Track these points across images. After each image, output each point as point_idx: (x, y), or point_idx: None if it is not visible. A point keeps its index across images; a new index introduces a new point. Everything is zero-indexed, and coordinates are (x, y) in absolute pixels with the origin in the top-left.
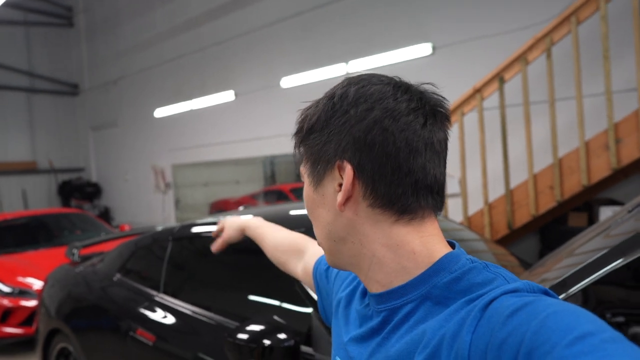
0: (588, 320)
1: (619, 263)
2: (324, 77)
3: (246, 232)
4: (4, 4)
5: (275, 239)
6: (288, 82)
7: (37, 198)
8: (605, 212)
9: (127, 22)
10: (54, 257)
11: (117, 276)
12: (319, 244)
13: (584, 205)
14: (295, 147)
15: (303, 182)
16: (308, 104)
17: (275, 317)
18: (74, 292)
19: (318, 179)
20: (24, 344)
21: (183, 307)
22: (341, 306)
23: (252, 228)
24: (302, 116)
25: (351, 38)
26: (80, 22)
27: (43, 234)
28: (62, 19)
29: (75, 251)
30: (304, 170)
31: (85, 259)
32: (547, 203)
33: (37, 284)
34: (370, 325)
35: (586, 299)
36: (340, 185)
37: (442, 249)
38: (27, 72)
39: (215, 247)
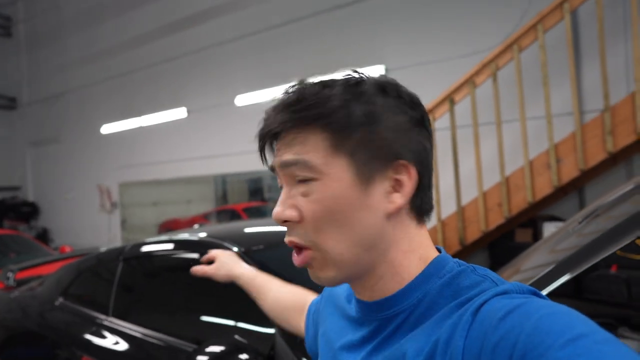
0: (580, 321)
1: (566, 277)
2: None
3: (238, 282)
4: None
5: (275, 293)
6: (243, 99)
7: None
8: (549, 228)
9: (73, 35)
10: None
11: (60, 300)
12: (338, 255)
13: (529, 221)
14: (325, 125)
15: (254, 203)
16: (337, 90)
17: (237, 337)
18: (8, 319)
19: (368, 177)
20: None
21: (136, 330)
22: (330, 315)
23: (245, 279)
24: (340, 101)
25: (306, 58)
26: (20, 32)
27: None
28: None
29: (10, 275)
30: (341, 162)
31: (21, 283)
32: (496, 219)
33: None
34: (362, 333)
35: None
36: (393, 186)
37: (432, 251)
38: None
39: (195, 271)
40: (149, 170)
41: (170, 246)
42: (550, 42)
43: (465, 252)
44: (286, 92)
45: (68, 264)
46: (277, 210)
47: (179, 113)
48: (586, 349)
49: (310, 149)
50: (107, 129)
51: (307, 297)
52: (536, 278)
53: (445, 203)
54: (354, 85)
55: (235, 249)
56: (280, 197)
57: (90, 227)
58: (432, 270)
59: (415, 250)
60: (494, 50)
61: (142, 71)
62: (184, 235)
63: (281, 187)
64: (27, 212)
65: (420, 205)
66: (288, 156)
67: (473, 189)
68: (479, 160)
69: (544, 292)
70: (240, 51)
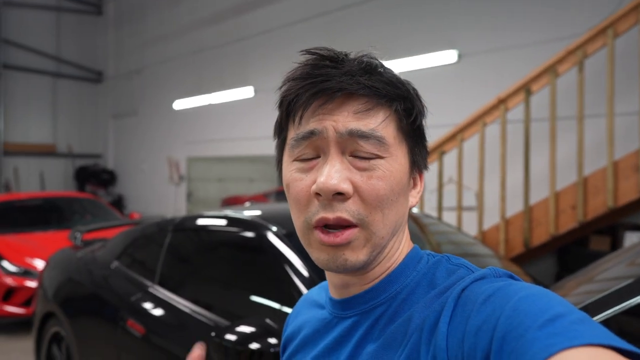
0: (557, 302)
1: None
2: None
3: None
4: None
5: None
6: None
7: (54, 181)
8: (631, 238)
9: (153, 13)
10: (62, 239)
11: (115, 264)
12: (380, 238)
13: (608, 228)
14: (402, 102)
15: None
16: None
17: (268, 321)
18: (72, 276)
19: (414, 169)
20: (26, 324)
21: (175, 300)
22: (291, 346)
23: None
24: (400, 79)
25: (375, 40)
26: (109, 11)
27: (54, 216)
28: (92, 6)
29: (78, 235)
30: (396, 139)
31: (87, 244)
32: (568, 223)
33: (41, 265)
34: (334, 334)
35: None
36: (420, 175)
37: (408, 243)
38: (55, 57)
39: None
40: (216, 147)
41: (215, 221)
42: None
43: (530, 255)
44: (347, 56)
45: (126, 230)
46: (333, 180)
47: (247, 92)
48: (563, 328)
49: (383, 126)
50: (178, 104)
51: None
52: (609, 291)
53: (511, 201)
54: (407, 81)
55: (276, 229)
56: (328, 166)
57: (159, 197)
58: (407, 263)
59: (408, 242)
60: (584, 35)
61: (212, 50)
62: (230, 212)
63: (308, 158)
64: (106, 179)
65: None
66: (361, 126)
67: (543, 189)
68: (554, 157)
69: (619, 308)
70: (307, 33)
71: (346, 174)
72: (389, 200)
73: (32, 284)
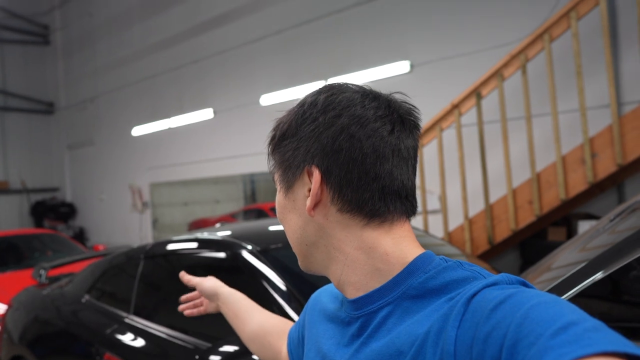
0: (570, 310)
1: (598, 276)
2: (303, 94)
3: (223, 298)
4: None
5: (259, 316)
6: (267, 99)
7: (8, 219)
8: (584, 227)
9: (103, 40)
10: (22, 279)
11: (86, 297)
12: (293, 249)
13: (563, 219)
14: (268, 155)
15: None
16: (282, 113)
17: None
18: (39, 315)
19: (288, 185)
20: None
21: (154, 328)
22: (317, 324)
23: (233, 298)
24: (276, 124)
25: (330, 55)
26: (57, 40)
27: (12, 256)
28: (38, 36)
29: (42, 272)
30: (276, 177)
31: (53, 280)
32: (527, 218)
33: (1, 307)
34: (349, 331)
35: None
36: (310, 190)
37: (415, 250)
38: (1, 90)
39: (182, 276)
40: (178, 171)
41: (188, 245)
42: (584, 31)
43: (494, 251)
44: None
45: (94, 262)
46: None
47: (206, 114)
48: (576, 336)
49: (273, 168)
50: (137, 131)
51: (288, 324)
52: (566, 276)
53: (472, 201)
54: (295, 107)
55: (250, 247)
56: None
57: (123, 226)
58: (417, 266)
59: (375, 247)
60: (524, 40)
61: (169, 73)
62: (201, 234)
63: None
64: (65, 212)
65: (353, 201)
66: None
67: (502, 187)
68: (508, 156)
69: (574, 291)
70: (264, 51)
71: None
72: (281, 220)
73: None
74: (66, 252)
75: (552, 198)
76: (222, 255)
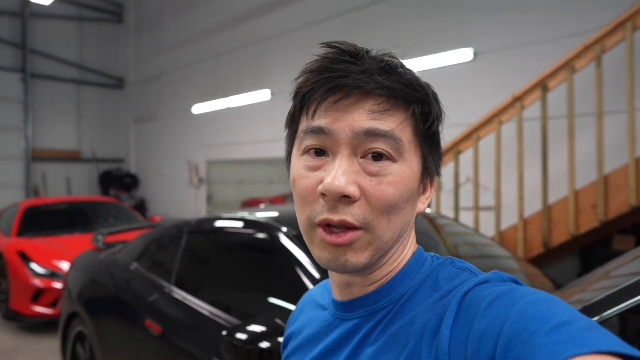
0: (564, 309)
1: None
2: None
3: None
4: (62, 0)
5: None
6: None
7: (80, 186)
8: None
9: (171, 20)
10: (87, 242)
11: (134, 265)
12: (384, 242)
13: (633, 227)
14: (430, 107)
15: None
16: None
17: (278, 321)
18: (95, 278)
19: (426, 177)
20: (53, 324)
21: (190, 301)
22: (292, 342)
23: None
24: (420, 81)
25: (390, 40)
26: (130, 19)
27: (80, 220)
28: (113, 15)
29: (100, 238)
30: (411, 143)
31: (109, 246)
32: (589, 222)
33: (67, 267)
34: (335, 336)
35: (624, 326)
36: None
37: (414, 246)
38: (79, 65)
39: None
40: (234, 150)
41: (229, 223)
42: None
43: (550, 256)
44: (367, 53)
45: (144, 233)
46: (339, 182)
47: (263, 95)
48: (571, 335)
49: (401, 129)
50: (197, 109)
51: None
52: (624, 285)
53: (529, 200)
54: (427, 84)
55: (286, 230)
56: (336, 167)
57: (180, 200)
58: (411, 266)
59: (413, 244)
60: (602, 29)
61: (229, 54)
62: (243, 214)
63: (316, 151)
64: (129, 183)
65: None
66: (379, 126)
67: (563, 187)
68: (573, 155)
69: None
70: (324, 34)
71: (354, 177)
72: (397, 207)
73: (58, 285)
74: (126, 220)
75: (621, 203)
76: (260, 236)
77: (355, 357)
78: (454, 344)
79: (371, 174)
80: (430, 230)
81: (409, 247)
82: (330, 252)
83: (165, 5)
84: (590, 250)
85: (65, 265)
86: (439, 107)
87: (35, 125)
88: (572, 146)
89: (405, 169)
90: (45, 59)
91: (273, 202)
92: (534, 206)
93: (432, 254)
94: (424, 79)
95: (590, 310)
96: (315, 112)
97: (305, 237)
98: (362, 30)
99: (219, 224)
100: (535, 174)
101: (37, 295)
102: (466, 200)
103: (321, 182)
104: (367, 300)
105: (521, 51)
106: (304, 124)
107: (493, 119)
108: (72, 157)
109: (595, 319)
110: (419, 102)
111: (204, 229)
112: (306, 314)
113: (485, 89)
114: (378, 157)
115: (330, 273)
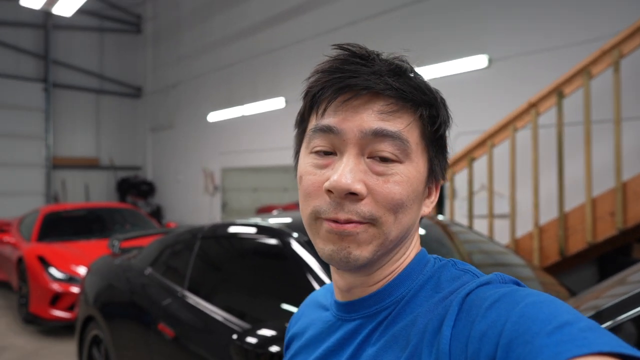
0: (565, 310)
1: None
2: None
3: None
4: (83, 12)
5: None
6: None
7: (98, 192)
8: None
9: (188, 30)
10: (103, 248)
11: (149, 270)
12: (389, 240)
13: None
14: (438, 108)
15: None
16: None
17: (287, 325)
18: (111, 282)
19: (431, 179)
20: (70, 328)
21: (203, 305)
22: (295, 344)
23: None
24: (429, 85)
25: (403, 47)
26: (148, 29)
27: (97, 226)
28: (132, 25)
29: (115, 243)
30: (418, 145)
31: (125, 251)
32: (607, 230)
33: (84, 271)
34: (337, 337)
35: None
36: (438, 181)
37: (417, 248)
38: (98, 75)
39: None
40: (249, 157)
41: (241, 229)
42: None
43: (566, 264)
44: (378, 56)
45: (159, 238)
46: (346, 179)
47: (278, 103)
48: (572, 335)
49: (408, 130)
50: (212, 117)
51: None
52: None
53: (545, 208)
54: (436, 89)
55: (297, 235)
56: (343, 164)
57: (195, 207)
58: (413, 267)
59: (416, 246)
60: (619, 34)
61: (244, 62)
62: (254, 220)
63: (322, 153)
64: (145, 190)
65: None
66: (387, 126)
67: (579, 195)
68: (590, 161)
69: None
70: (337, 42)
71: (361, 175)
72: (404, 206)
73: (76, 289)
74: (142, 226)
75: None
76: (269, 241)
77: (356, 357)
78: (454, 344)
79: (377, 173)
80: (443, 238)
81: (412, 248)
82: (334, 242)
83: (182, 16)
84: (608, 258)
85: (82, 270)
86: (447, 112)
87: (55, 134)
88: (588, 152)
89: (411, 170)
90: (67, 69)
91: (287, 209)
92: (549, 214)
93: (435, 255)
94: (438, 86)
95: (602, 315)
96: (324, 111)
97: (308, 231)
98: (376, 38)
99: (231, 229)
100: (550, 181)
101: (56, 299)
102: (480, 207)
103: (327, 179)
104: (369, 301)
105: (536, 58)
106: (313, 123)
107: (508, 126)
108: (91, 165)
109: (609, 323)
110: (427, 105)
111: (216, 235)
112: (308, 314)
113: (500, 95)
114: (385, 159)
115: (332, 273)
